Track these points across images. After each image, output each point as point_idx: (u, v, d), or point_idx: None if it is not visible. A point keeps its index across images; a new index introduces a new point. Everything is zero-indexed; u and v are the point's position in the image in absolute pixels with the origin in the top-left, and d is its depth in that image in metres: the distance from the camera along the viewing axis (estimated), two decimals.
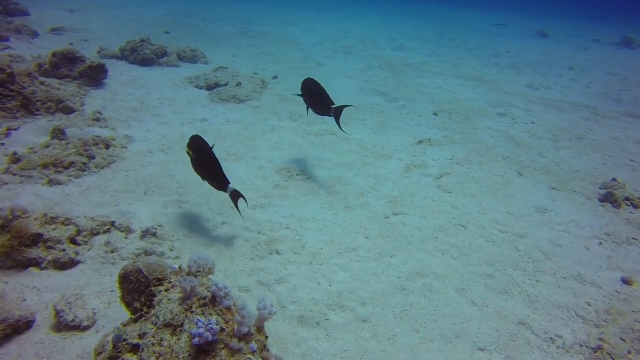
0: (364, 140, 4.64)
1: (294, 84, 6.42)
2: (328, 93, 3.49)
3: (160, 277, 1.79)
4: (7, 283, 2.25)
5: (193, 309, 1.62)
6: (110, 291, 2.29)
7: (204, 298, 1.65)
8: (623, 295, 2.59)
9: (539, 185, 3.98)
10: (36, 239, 2.44)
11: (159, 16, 11.33)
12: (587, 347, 2.20)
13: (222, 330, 1.56)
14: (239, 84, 5.92)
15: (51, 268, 2.41)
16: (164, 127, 4.50)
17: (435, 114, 5.68)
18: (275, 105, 5.52)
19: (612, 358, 2.13)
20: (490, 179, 4.02)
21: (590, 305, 2.49)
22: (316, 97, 3.52)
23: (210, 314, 1.61)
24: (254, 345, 1.58)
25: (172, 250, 2.68)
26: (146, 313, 1.70)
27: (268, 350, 1.67)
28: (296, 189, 3.57)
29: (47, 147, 3.54)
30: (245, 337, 1.59)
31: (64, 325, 2.04)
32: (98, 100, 4.98)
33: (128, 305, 1.84)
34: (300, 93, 3.69)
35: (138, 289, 1.79)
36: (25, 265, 2.38)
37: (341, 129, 3.73)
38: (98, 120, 4.34)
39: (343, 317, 2.31)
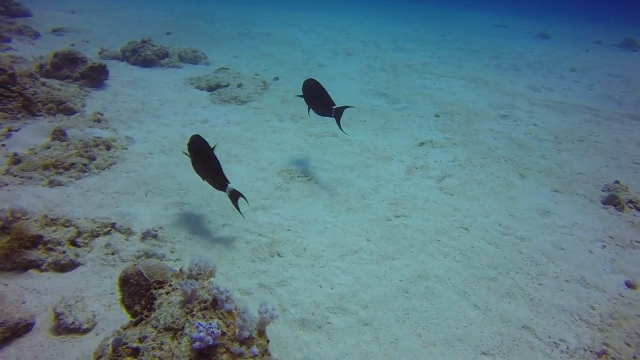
0: (365, 142, 4.63)
1: (295, 85, 6.41)
2: (329, 94, 3.48)
3: (161, 279, 1.77)
4: (6, 285, 2.23)
5: (194, 313, 1.60)
6: (111, 293, 2.28)
7: (205, 301, 1.64)
8: (627, 299, 2.57)
9: (541, 187, 3.96)
10: (36, 241, 2.43)
11: (160, 17, 11.34)
12: (591, 351, 2.18)
13: (223, 334, 1.54)
14: (240, 85, 5.91)
15: (51, 270, 2.40)
16: (165, 128, 4.49)
17: (437, 116, 5.66)
18: (276, 106, 5.51)
19: None
20: (492, 181, 4.01)
21: (594, 309, 2.47)
22: (317, 98, 3.51)
23: (211, 318, 1.59)
24: (255, 349, 1.56)
25: (172, 252, 2.67)
26: (146, 316, 1.68)
27: (269, 354, 1.66)
28: (297, 191, 3.55)
29: (48, 148, 3.53)
30: (246, 341, 1.57)
31: (63, 328, 2.02)
32: (99, 101, 4.97)
33: (128, 308, 1.83)
34: (301, 94, 3.68)
35: (138, 291, 1.78)
36: (25, 267, 2.37)
37: (341, 130, 3.72)
38: (99, 121, 4.33)
39: (344, 320, 2.29)
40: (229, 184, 2.74)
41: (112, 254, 2.57)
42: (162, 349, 1.50)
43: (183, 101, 5.37)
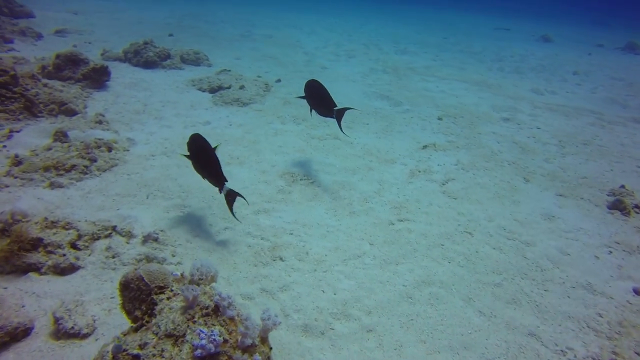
0: (368, 145, 4.60)
1: (298, 87, 6.39)
2: (331, 95, 3.48)
3: (162, 284, 1.74)
4: (5, 288, 2.21)
5: (195, 319, 1.57)
6: (111, 297, 2.25)
7: (207, 307, 1.61)
8: (636, 307, 2.53)
9: (545, 191, 3.93)
10: (36, 244, 2.40)
11: (162, 19, 11.35)
12: None
13: (225, 341, 1.51)
14: (242, 87, 5.89)
15: (51, 273, 2.37)
16: (167, 130, 4.47)
17: (440, 119, 5.63)
18: (278, 108, 5.49)
19: None
20: (496, 184, 3.97)
21: (601, 317, 2.43)
22: (319, 98, 3.51)
23: (213, 324, 1.56)
24: (257, 357, 1.53)
25: (173, 256, 2.64)
26: (147, 322, 1.65)
27: None
28: (300, 194, 3.53)
29: (49, 149, 3.51)
30: (248, 349, 1.54)
31: (62, 333, 1.99)
32: (101, 103, 4.95)
33: (129, 313, 1.80)
34: (303, 94, 3.68)
35: (139, 296, 1.75)
36: (25, 270, 2.34)
37: (342, 131, 3.72)
38: (100, 122, 4.31)
39: (348, 326, 2.26)
40: (226, 183, 2.70)
41: (113, 257, 2.54)
42: (163, 357, 1.47)
43: (185, 103, 5.35)
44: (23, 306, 2.08)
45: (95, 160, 3.50)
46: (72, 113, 4.43)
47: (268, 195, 3.45)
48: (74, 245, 2.54)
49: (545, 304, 2.52)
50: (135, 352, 1.52)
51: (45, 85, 4.45)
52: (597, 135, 5.54)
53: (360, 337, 2.19)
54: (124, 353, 1.52)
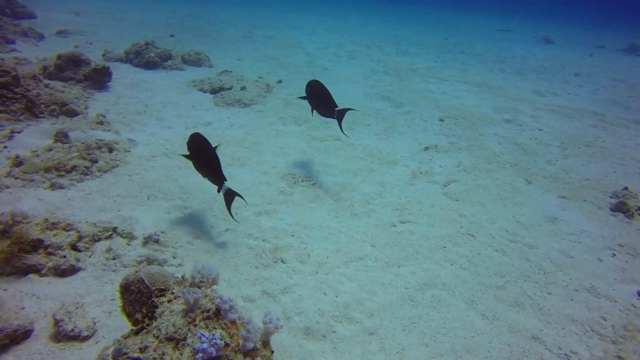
0: (369, 146, 4.59)
1: (299, 88, 6.38)
2: (332, 95, 3.48)
3: (163, 287, 1.73)
4: (5, 290, 2.19)
5: (196, 322, 1.56)
6: (111, 299, 2.23)
7: (208, 310, 1.59)
8: None
9: (547, 193, 3.91)
10: (36, 245, 2.39)
11: (163, 19, 11.36)
12: None
13: (227, 345, 1.50)
14: (243, 88, 5.88)
15: (51, 275, 2.36)
16: (168, 131, 4.46)
17: (441, 120, 5.62)
18: (279, 109, 5.48)
19: None
20: (498, 186, 3.95)
21: (605, 320, 2.41)
22: (320, 99, 3.51)
23: (214, 328, 1.55)
24: None
25: (174, 258, 2.63)
26: (147, 325, 1.64)
27: None
28: (301, 195, 3.51)
29: (50, 150, 3.50)
30: (250, 353, 1.52)
31: (62, 335, 1.98)
32: (102, 103, 4.95)
33: (129, 315, 1.78)
34: (304, 94, 3.68)
35: (139, 299, 1.73)
36: (25, 271, 2.33)
37: (342, 132, 3.72)
38: (101, 123, 4.31)
39: (350, 329, 2.24)
40: (225, 182, 2.69)
41: (114, 258, 2.53)
42: None
43: (186, 104, 5.34)
44: (23, 308, 2.07)
45: (96, 161, 3.49)
46: (73, 114, 4.42)
47: (269, 197, 3.44)
48: (74, 247, 2.53)
49: (549, 307, 2.50)
50: (135, 355, 1.50)
51: (46, 85, 4.45)
52: (599, 136, 5.52)
53: (362, 340, 2.18)
54: (125, 356, 1.51)
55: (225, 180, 2.68)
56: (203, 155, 2.73)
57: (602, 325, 2.38)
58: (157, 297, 1.69)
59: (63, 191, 3.12)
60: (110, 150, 3.73)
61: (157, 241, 2.69)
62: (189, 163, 3.03)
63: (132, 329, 1.68)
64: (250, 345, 1.50)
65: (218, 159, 2.68)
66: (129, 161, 3.72)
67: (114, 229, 2.74)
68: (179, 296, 1.68)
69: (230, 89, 5.89)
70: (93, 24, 9.50)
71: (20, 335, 1.94)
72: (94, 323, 2.08)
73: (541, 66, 10.25)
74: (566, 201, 3.79)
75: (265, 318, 1.63)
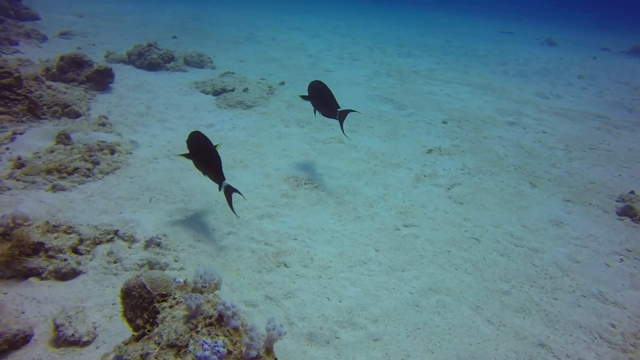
0: (372, 149, 4.56)
1: (301, 90, 6.35)
2: (334, 96, 3.47)
3: (164, 292, 1.70)
4: (5, 294, 2.17)
5: (198, 329, 1.53)
6: (112, 304, 2.21)
7: (210, 317, 1.56)
8: None
9: (552, 197, 3.87)
10: (37, 248, 2.37)
11: (165, 21, 11.38)
12: None
13: (229, 352, 1.46)
14: (245, 90, 5.87)
15: (52, 278, 2.33)
16: (170, 133, 4.45)
17: (445, 122, 5.59)
18: (282, 111, 5.46)
19: None
20: (503, 189, 3.92)
21: (614, 327, 2.37)
22: (323, 99, 3.50)
23: (217, 335, 1.51)
24: None
25: (176, 261, 2.60)
26: (149, 331, 1.61)
27: None
28: (304, 198, 3.48)
29: (52, 152, 3.48)
30: None
31: (62, 340, 1.95)
32: (104, 105, 4.94)
33: (130, 321, 1.75)
34: (307, 94, 3.67)
35: (141, 304, 1.70)
36: (25, 275, 2.31)
37: (343, 133, 3.70)
38: (103, 124, 4.29)
39: (354, 335, 2.21)
40: (224, 180, 2.67)
41: (115, 262, 2.51)
42: None
43: (188, 105, 5.33)
44: (23, 312, 2.05)
45: (98, 163, 3.47)
46: (75, 115, 4.41)
47: (272, 200, 3.41)
48: (75, 250, 2.51)
49: (555, 313, 2.46)
50: None
51: (49, 87, 4.44)
52: (604, 139, 5.47)
53: (366, 346, 2.14)
54: None
55: (224, 178, 2.67)
56: (203, 153, 2.71)
57: (611, 332, 2.33)
58: (158, 302, 1.66)
59: (64, 193, 3.10)
60: (112, 152, 3.71)
61: (158, 244, 2.67)
62: (191, 165, 3.01)
63: (133, 335, 1.65)
64: (253, 353, 1.47)
65: (219, 157, 2.66)
66: (131, 163, 3.70)
67: (116, 232, 2.72)
68: (181, 302, 1.65)
69: (232, 90, 5.88)
70: (96, 25, 9.52)
71: (20, 340, 1.91)
72: (95, 328, 2.05)
73: (544, 68, 10.21)
74: (571, 205, 3.74)
75: (269, 325, 1.60)
